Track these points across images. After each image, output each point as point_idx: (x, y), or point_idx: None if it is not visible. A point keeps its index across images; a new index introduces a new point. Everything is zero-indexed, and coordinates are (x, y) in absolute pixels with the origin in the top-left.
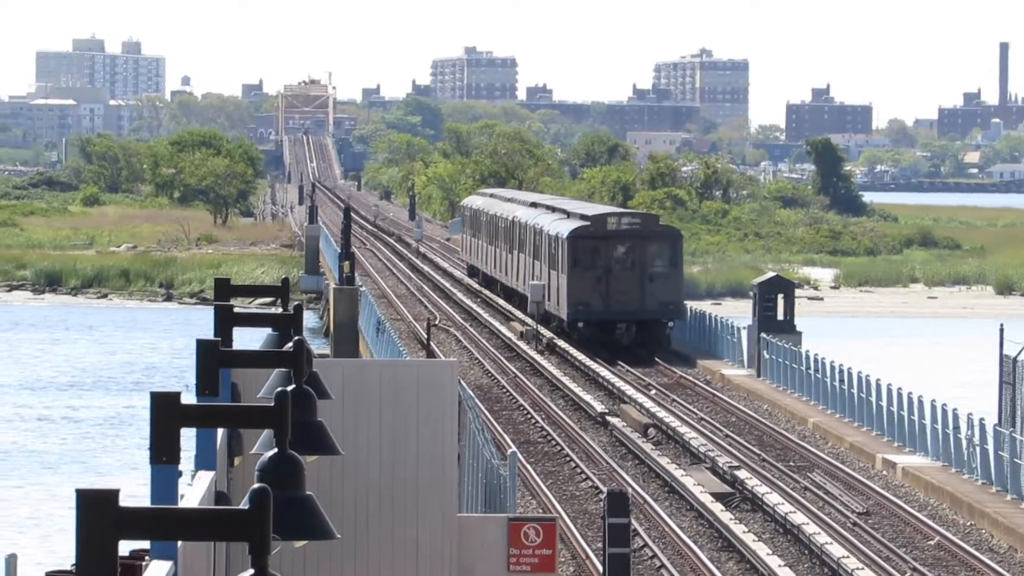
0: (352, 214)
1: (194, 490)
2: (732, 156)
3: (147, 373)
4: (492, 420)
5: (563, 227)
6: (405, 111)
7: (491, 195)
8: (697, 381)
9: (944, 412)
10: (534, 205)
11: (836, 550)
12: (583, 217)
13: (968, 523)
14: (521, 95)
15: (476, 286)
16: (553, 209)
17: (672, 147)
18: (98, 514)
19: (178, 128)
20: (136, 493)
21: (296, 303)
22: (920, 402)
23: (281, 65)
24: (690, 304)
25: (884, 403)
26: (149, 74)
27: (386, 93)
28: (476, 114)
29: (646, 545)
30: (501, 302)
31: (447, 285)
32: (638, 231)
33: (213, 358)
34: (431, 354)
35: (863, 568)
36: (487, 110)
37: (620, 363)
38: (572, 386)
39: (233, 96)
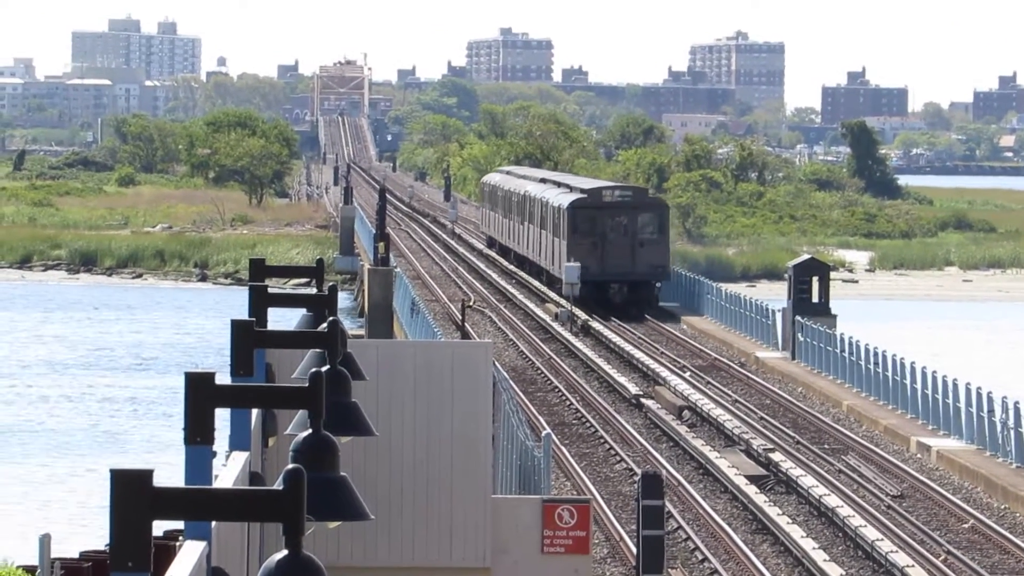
0: (387, 195)
1: (228, 471)
2: (767, 139)
3: (182, 353)
4: (526, 401)
5: (565, 199)
6: (440, 92)
7: (508, 172)
8: (732, 363)
9: (979, 395)
10: (543, 181)
11: (870, 533)
12: (582, 191)
13: (1003, 507)
14: (557, 77)
15: (511, 267)
16: (559, 184)
17: (707, 129)
18: (132, 494)
19: (213, 109)
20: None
21: (331, 284)
22: (955, 385)
23: (317, 46)
24: (724, 286)
25: (919, 386)
26: (185, 55)
27: (421, 74)
28: (511, 96)
29: (680, 527)
30: (536, 283)
31: (482, 266)
32: (630, 202)
33: (248, 338)
34: (466, 335)
35: (897, 551)
36: (522, 92)
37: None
38: (606, 368)
39: (269, 77)
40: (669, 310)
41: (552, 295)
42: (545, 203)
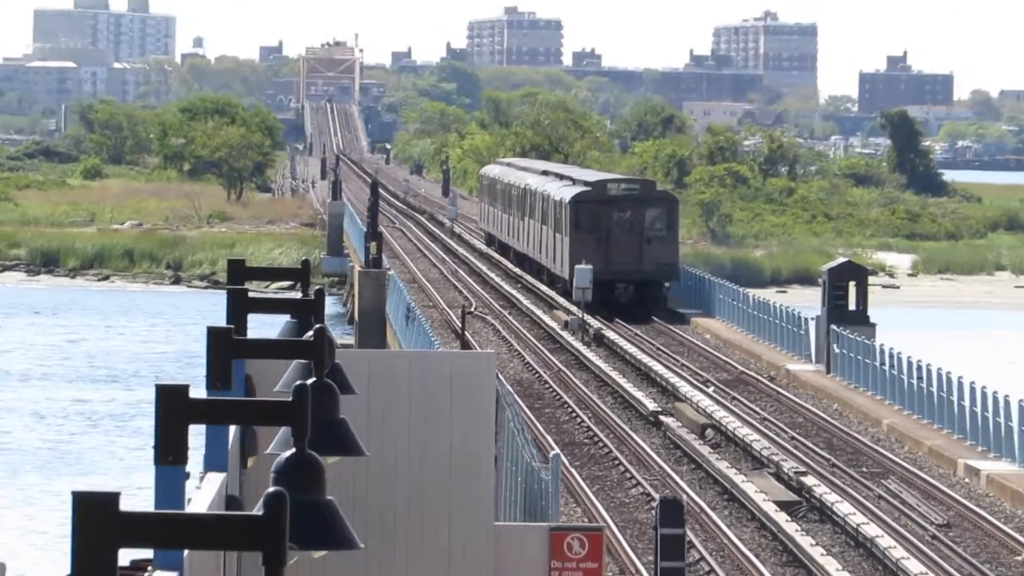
0: (380, 190)
1: (203, 494)
2: (799, 129)
3: (152, 364)
4: (533, 419)
5: (567, 192)
6: (439, 77)
7: (508, 164)
8: (760, 377)
9: None
10: (545, 173)
11: (913, 566)
12: (586, 183)
13: None
14: (567, 61)
15: (516, 270)
16: (561, 177)
17: (733, 119)
18: (97, 519)
19: (189, 94)
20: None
21: (317, 287)
22: (1007, 402)
23: (303, 25)
24: (752, 292)
25: (967, 403)
26: (157, 35)
27: (418, 57)
28: (517, 81)
29: (702, 559)
30: (543, 288)
31: (484, 269)
32: (636, 196)
33: (225, 348)
34: (466, 345)
35: None
36: (529, 77)
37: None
38: (622, 381)
39: (249, 59)
40: (678, 311)
41: (561, 301)
42: (546, 197)
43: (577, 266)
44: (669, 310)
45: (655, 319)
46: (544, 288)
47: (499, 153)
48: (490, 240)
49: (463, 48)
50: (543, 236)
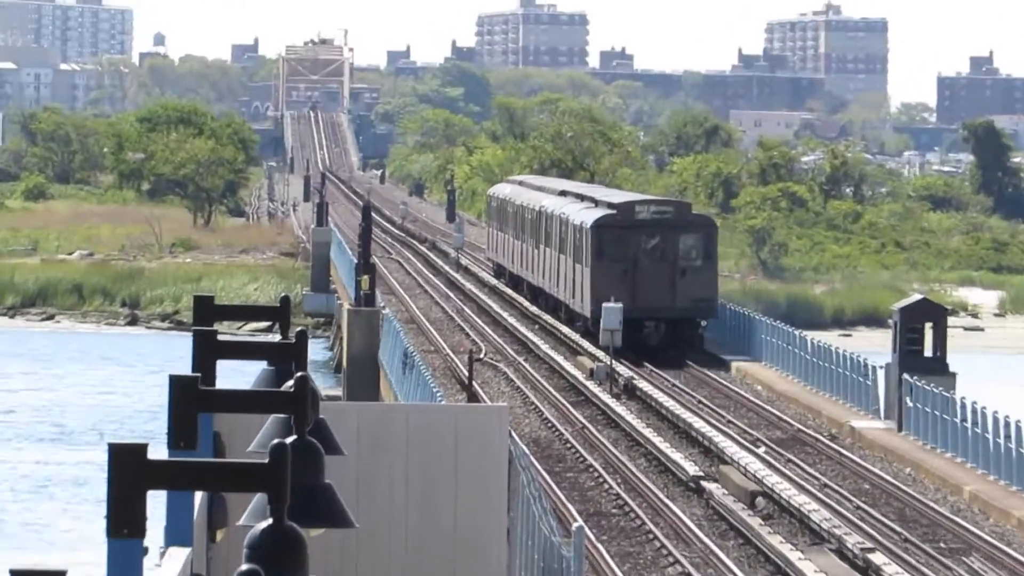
0: (373, 214)
1: (164, 572)
2: (866, 143)
3: (105, 419)
4: (552, 484)
5: (588, 216)
6: (442, 81)
7: (520, 183)
8: (819, 435)
9: None
10: (563, 193)
11: None
12: (610, 205)
13: None
14: (593, 62)
15: (533, 309)
16: (582, 198)
17: (789, 130)
18: None
19: (148, 101)
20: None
21: (299, 329)
22: None
23: (282, 21)
24: (811, 335)
25: None
26: (111, 31)
27: (418, 58)
28: (534, 86)
29: None
30: (564, 330)
31: (495, 307)
32: (669, 220)
33: (190, 400)
34: (474, 397)
35: None
36: (548, 81)
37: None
38: (657, 441)
39: (220, 60)
40: (718, 355)
41: (586, 344)
42: (565, 221)
43: (605, 304)
44: (706, 353)
45: (690, 363)
46: (565, 330)
47: (513, 170)
48: (499, 271)
49: (471, 47)
50: (561, 267)
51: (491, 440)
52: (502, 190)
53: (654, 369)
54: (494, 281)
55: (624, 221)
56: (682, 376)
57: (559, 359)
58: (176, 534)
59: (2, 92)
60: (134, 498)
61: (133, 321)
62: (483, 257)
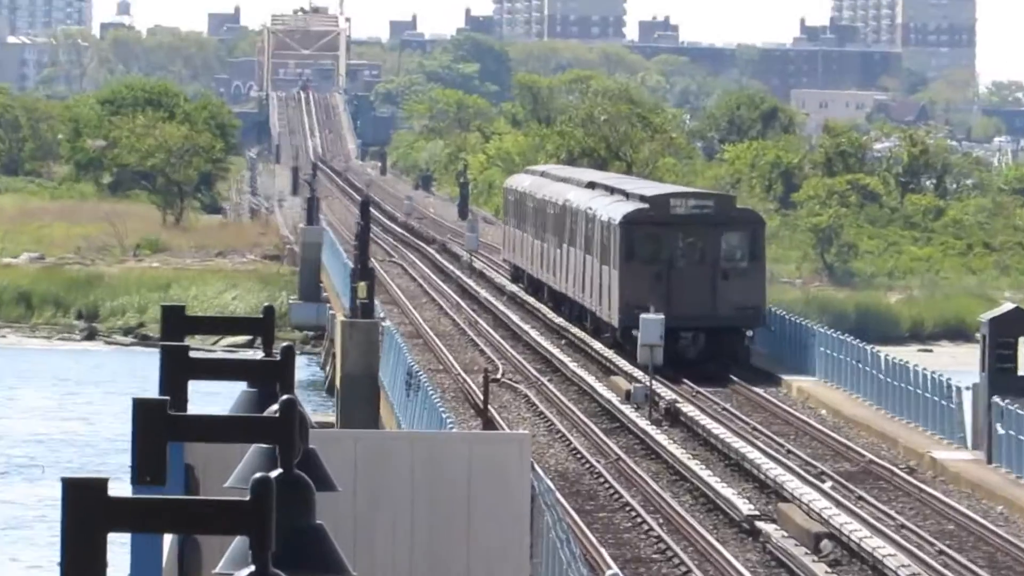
0: (372, 210)
1: None
2: (951, 127)
3: (58, 449)
4: (582, 525)
5: (617, 211)
6: (454, 56)
7: (542, 173)
8: (895, 468)
9: None
10: (590, 185)
11: None
12: (642, 199)
13: None
14: (631, 33)
15: (559, 320)
16: (612, 190)
17: (860, 113)
18: None
19: (111, 79)
20: None
21: (285, 344)
22: None
23: None
24: (884, 350)
25: None
26: None
27: (426, 28)
28: (562, 61)
29: None
30: (595, 345)
31: (515, 319)
32: (710, 216)
33: (158, 427)
34: (490, 424)
35: None
36: (579, 55)
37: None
38: (704, 474)
39: (195, 32)
40: (768, 371)
41: (621, 363)
42: (591, 217)
43: (644, 315)
44: (758, 370)
45: (738, 381)
46: (596, 345)
47: (537, 160)
48: (517, 275)
49: (488, 16)
50: (586, 269)
51: (510, 474)
52: (521, 182)
53: (697, 389)
54: (513, 288)
55: (658, 217)
56: (733, 398)
57: (589, 379)
58: None
59: None
60: (92, 541)
61: (91, 335)
62: (500, 260)
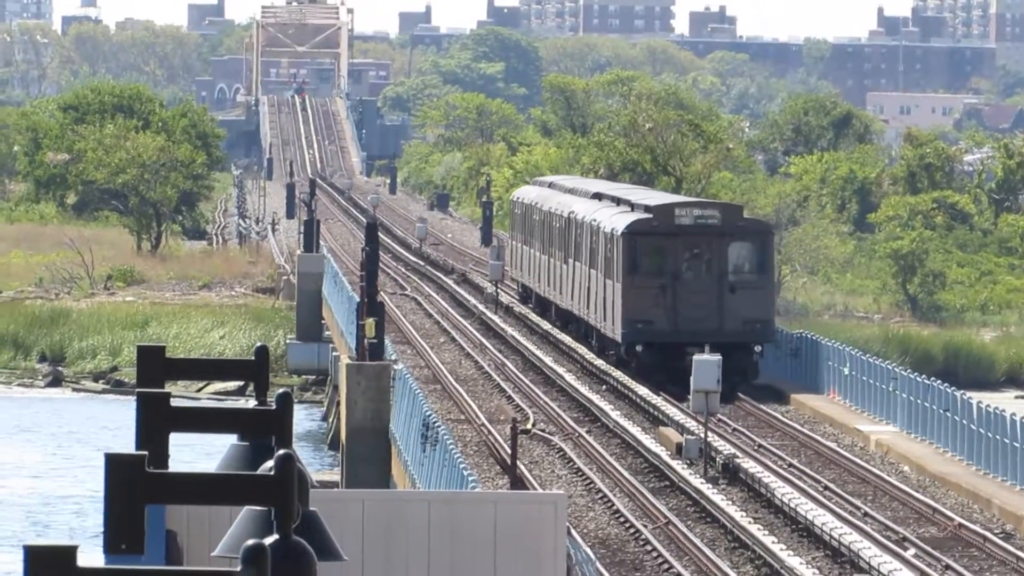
0: (381, 235)
1: None
2: None
3: (20, 514)
4: None
5: (619, 222)
6: (475, 54)
7: (549, 184)
8: (989, 533)
9: None
10: (597, 196)
11: None
12: (646, 209)
13: None
14: (681, 28)
15: (597, 361)
16: (618, 201)
17: (947, 120)
18: None
19: (75, 82)
20: None
21: (281, 391)
22: None
23: None
24: (977, 396)
25: None
26: None
27: (442, 22)
28: (599, 61)
29: None
30: (641, 390)
31: (548, 361)
32: (716, 227)
33: (134, 487)
34: (520, 483)
35: None
36: (619, 52)
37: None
38: (766, 540)
39: (172, 26)
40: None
41: (671, 411)
42: (595, 228)
43: (697, 356)
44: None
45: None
46: (642, 391)
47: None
48: (525, 295)
49: (514, 6)
50: (591, 284)
51: (543, 539)
52: (528, 194)
53: (760, 441)
54: (547, 326)
55: (662, 227)
56: (802, 453)
57: (634, 430)
58: None
59: None
60: None
61: (56, 381)
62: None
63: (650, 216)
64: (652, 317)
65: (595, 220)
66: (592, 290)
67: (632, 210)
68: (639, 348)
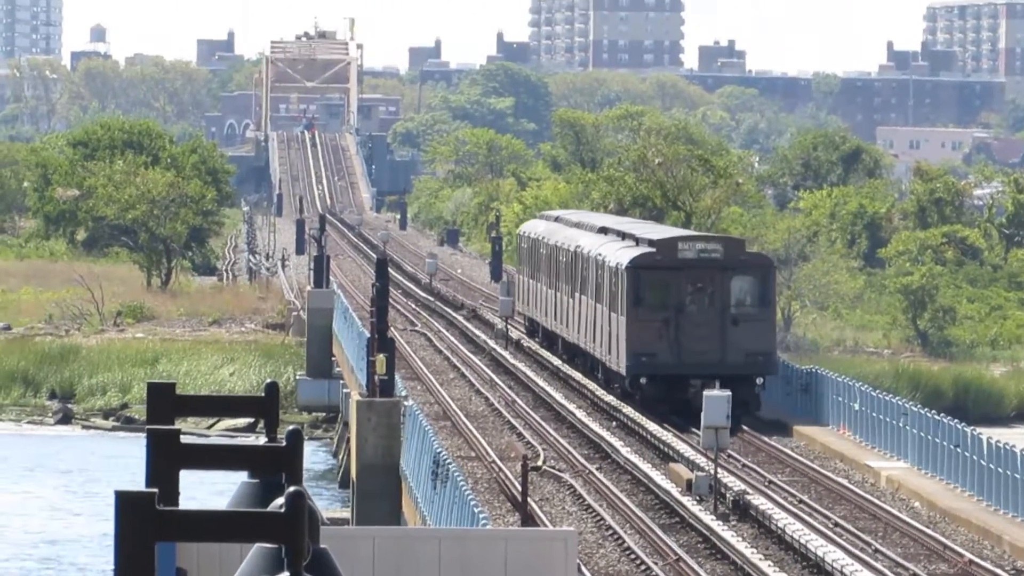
0: (391, 271)
1: None
2: None
3: (30, 550)
4: None
5: (624, 256)
6: (485, 89)
7: (556, 219)
8: (999, 570)
9: None
10: (603, 231)
11: None
12: (650, 243)
13: None
14: (690, 62)
15: (607, 397)
16: (623, 236)
17: (956, 154)
18: None
19: (84, 117)
20: None
21: (291, 428)
22: None
23: (266, 6)
24: (988, 432)
25: None
26: (34, 22)
27: (451, 57)
28: (609, 95)
29: None
30: (651, 427)
31: (559, 397)
32: (718, 260)
33: (145, 525)
34: (530, 520)
35: None
36: (629, 87)
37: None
38: None
39: (182, 61)
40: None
41: (682, 448)
42: (600, 262)
43: (708, 392)
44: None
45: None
46: (653, 427)
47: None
48: (532, 328)
49: (523, 42)
50: (596, 317)
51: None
52: (534, 228)
53: (771, 477)
54: (557, 362)
55: (665, 261)
56: (812, 489)
57: (644, 467)
58: None
59: None
60: None
61: (66, 418)
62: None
63: (654, 250)
64: (656, 350)
65: (600, 254)
66: (597, 323)
67: (636, 244)
68: (643, 380)
